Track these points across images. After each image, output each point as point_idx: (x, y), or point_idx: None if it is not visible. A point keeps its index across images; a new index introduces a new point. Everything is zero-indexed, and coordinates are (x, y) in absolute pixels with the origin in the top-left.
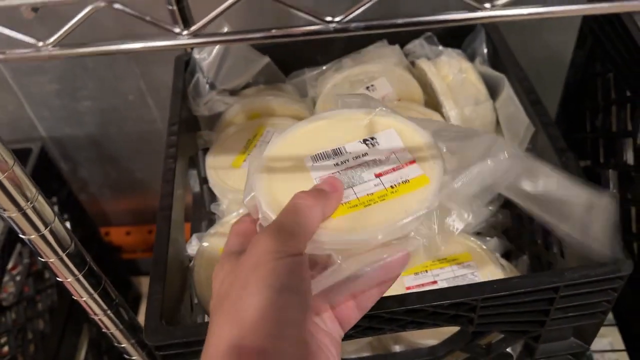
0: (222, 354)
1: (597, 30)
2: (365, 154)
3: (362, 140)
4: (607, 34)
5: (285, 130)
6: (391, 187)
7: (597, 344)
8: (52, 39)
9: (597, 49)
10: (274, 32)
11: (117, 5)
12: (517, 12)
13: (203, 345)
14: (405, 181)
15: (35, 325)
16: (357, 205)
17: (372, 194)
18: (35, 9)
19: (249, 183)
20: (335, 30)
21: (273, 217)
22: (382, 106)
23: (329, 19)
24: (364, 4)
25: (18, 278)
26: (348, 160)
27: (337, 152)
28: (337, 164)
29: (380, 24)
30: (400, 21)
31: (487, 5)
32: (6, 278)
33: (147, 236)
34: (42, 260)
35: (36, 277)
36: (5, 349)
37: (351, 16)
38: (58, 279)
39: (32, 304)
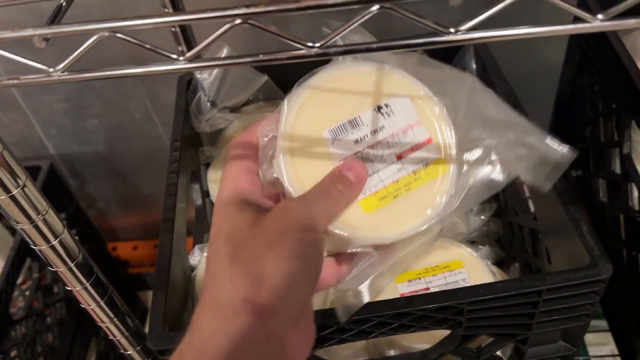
0: (236, 305)
1: (584, 45)
2: (383, 127)
3: (376, 108)
4: (594, 48)
5: (296, 93)
6: (413, 172)
7: (597, 351)
8: (61, 65)
9: (585, 63)
10: (261, 56)
11: (119, 35)
12: (480, 35)
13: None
14: (426, 165)
15: (45, 339)
16: (386, 197)
17: (398, 181)
18: (46, 38)
19: (267, 157)
20: (317, 55)
21: (294, 195)
22: (389, 59)
23: (310, 44)
24: (342, 31)
25: (27, 292)
26: (367, 136)
27: (353, 124)
28: (357, 141)
29: (357, 49)
30: (375, 46)
31: (452, 29)
32: (16, 293)
33: (154, 251)
34: (52, 269)
35: (45, 292)
36: None
37: (331, 41)
38: (67, 287)
39: (41, 317)
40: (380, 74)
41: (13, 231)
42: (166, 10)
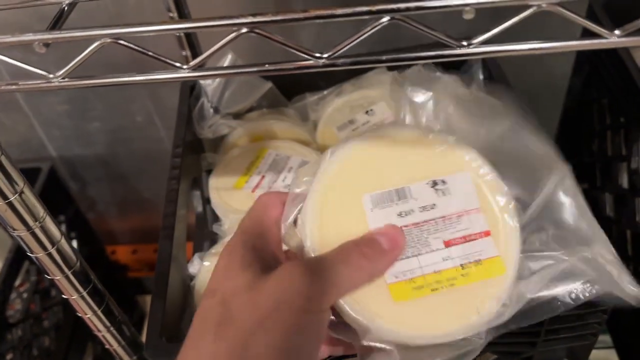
0: None
1: (593, 58)
2: (434, 206)
3: (431, 183)
4: (602, 62)
5: (344, 147)
6: (461, 266)
7: None
8: (61, 72)
9: (593, 76)
10: (267, 66)
11: (121, 42)
12: (493, 48)
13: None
14: (478, 261)
15: (41, 342)
16: (422, 288)
17: (440, 272)
18: (47, 44)
19: (295, 206)
20: (324, 65)
21: (312, 255)
22: (454, 119)
23: (318, 55)
24: (351, 42)
25: (25, 295)
26: (413, 212)
27: (401, 195)
28: (400, 215)
29: (366, 60)
30: (384, 57)
31: (464, 43)
32: (13, 295)
33: (153, 255)
34: (49, 277)
35: (42, 295)
36: None
37: (339, 52)
38: (63, 296)
39: (38, 321)
40: (444, 145)
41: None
42: (171, 13)
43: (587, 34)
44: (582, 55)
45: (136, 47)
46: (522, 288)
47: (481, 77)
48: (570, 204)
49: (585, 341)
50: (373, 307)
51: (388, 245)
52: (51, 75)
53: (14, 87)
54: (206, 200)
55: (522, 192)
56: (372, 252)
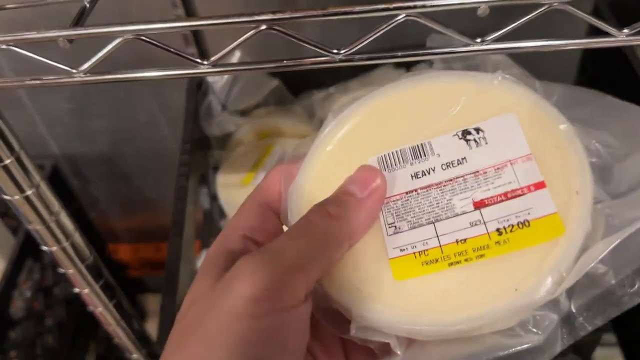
0: None
1: (597, 59)
2: (463, 160)
3: (460, 133)
4: (607, 62)
5: (351, 108)
6: (498, 231)
7: None
8: (84, 67)
9: (598, 76)
10: (285, 62)
11: (143, 38)
12: (507, 45)
13: None
14: (524, 223)
15: (44, 341)
16: (437, 261)
17: (465, 241)
18: (70, 40)
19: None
20: (341, 61)
21: None
22: (501, 70)
23: (335, 50)
24: (367, 39)
25: (28, 294)
26: (434, 170)
27: (418, 152)
28: (416, 175)
29: (382, 56)
30: (400, 54)
31: (478, 39)
32: (16, 293)
33: (155, 254)
34: (62, 271)
35: (45, 293)
36: None
37: (356, 49)
38: (75, 289)
39: (41, 319)
40: (485, 86)
41: (14, 231)
42: (177, 10)
43: (594, 33)
44: (587, 56)
45: (158, 44)
46: (590, 256)
47: None
48: None
49: (591, 335)
50: (366, 288)
51: (363, 192)
52: (74, 71)
53: (38, 82)
54: (213, 197)
55: (607, 138)
56: (341, 209)
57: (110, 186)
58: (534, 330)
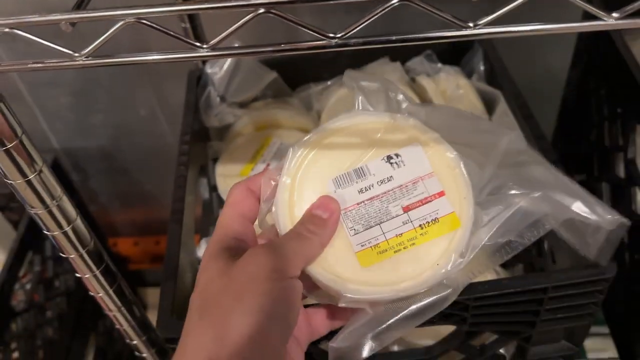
0: None
1: (591, 50)
2: (391, 178)
3: (385, 158)
4: (600, 53)
5: (304, 141)
6: (420, 227)
7: (596, 356)
8: (86, 51)
9: (591, 68)
10: (283, 46)
11: (144, 21)
12: (499, 30)
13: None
14: (435, 220)
15: (45, 332)
16: (386, 251)
17: (401, 235)
18: (72, 23)
19: (270, 198)
20: (337, 45)
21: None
22: (405, 104)
23: (331, 35)
24: (363, 23)
25: (28, 286)
26: (372, 186)
27: (359, 173)
28: (361, 191)
29: (377, 40)
30: (394, 37)
31: (471, 24)
32: (17, 286)
33: (155, 247)
34: (63, 256)
35: (46, 286)
36: (15, 354)
37: (351, 33)
38: (77, 274)
39: (41, 311)
40: (394, 123)
41: (15, 224)
42: None
43: (587, 18)
44: (580, 47)
45: (159, 27)
46: (478, 236)
47: (482, 68)
48: (524, 160)
49: (583, 321)
50: (344, 274)
51: (327, 214)
52: (76, 54)
53: (40, 65)
54: (213, 188)
55: (475, 154)
56: (314, 226)
57: (110, 180)
58: (447, 284)
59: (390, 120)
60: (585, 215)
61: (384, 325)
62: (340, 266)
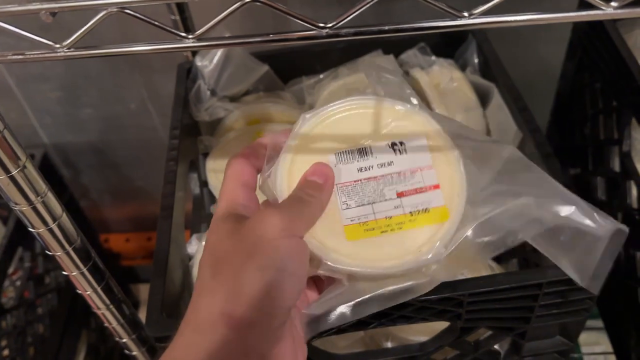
0: (214, 319)
1: (585, 42)
2: (391, 163)
3: (390, 144)
4: (595, 46)
5: (316, 111)
6: (410, 213)
7: (590, 350)
8: (67, 42)
9: (586, 61)
10: (272, 36)
11: (128, 11)
12: (495, 19)
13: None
14: (425, 210)
15: (35, 329)
16: (374, 229)
17: (391, 217)
18: (53, 13)
19: (273, 159)
20: (328, 35)
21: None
22: (417, 100)
23: (322, 24)
24: (353, 12)
25: (18, 282)
26: (372, 167)
27: (362, 153)
28: (360, 170)
29: (369, 30)
30: (387, 27)
31: (466, 14)
32: (7, 282)
33: (146, 243)
34: (49, 254)
35: (36, 282)
36: (6, 352)
37: (342, 23)
38: (64, 272)
39: (32, 308)
40: (406, 113)
41: (5, 220)
42: None
43: (584, 7)
44: (575, 40)
45: (142, 17)
46: (464, 232)
47: (476, 61)
48: (522, 167)
49: (578, 317)
50: (329, 243)
51: (322, 179)
52: (57, 45)
53: (20, 56)
54: (203, 183)
55: (478, 164)
56: (313, 190)
57: (100, 175)
58: (425, 273)
59: (403, 109)
60: (580, 222)
61: (357, 300)
62: (326, 235)
